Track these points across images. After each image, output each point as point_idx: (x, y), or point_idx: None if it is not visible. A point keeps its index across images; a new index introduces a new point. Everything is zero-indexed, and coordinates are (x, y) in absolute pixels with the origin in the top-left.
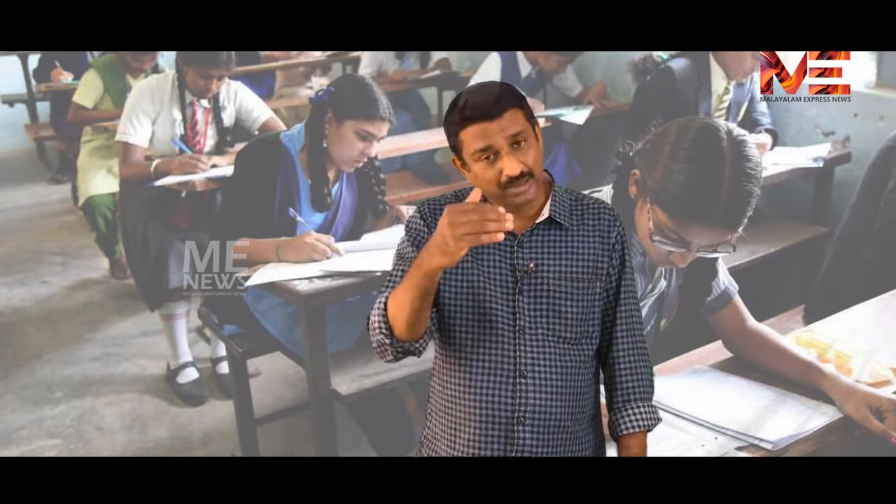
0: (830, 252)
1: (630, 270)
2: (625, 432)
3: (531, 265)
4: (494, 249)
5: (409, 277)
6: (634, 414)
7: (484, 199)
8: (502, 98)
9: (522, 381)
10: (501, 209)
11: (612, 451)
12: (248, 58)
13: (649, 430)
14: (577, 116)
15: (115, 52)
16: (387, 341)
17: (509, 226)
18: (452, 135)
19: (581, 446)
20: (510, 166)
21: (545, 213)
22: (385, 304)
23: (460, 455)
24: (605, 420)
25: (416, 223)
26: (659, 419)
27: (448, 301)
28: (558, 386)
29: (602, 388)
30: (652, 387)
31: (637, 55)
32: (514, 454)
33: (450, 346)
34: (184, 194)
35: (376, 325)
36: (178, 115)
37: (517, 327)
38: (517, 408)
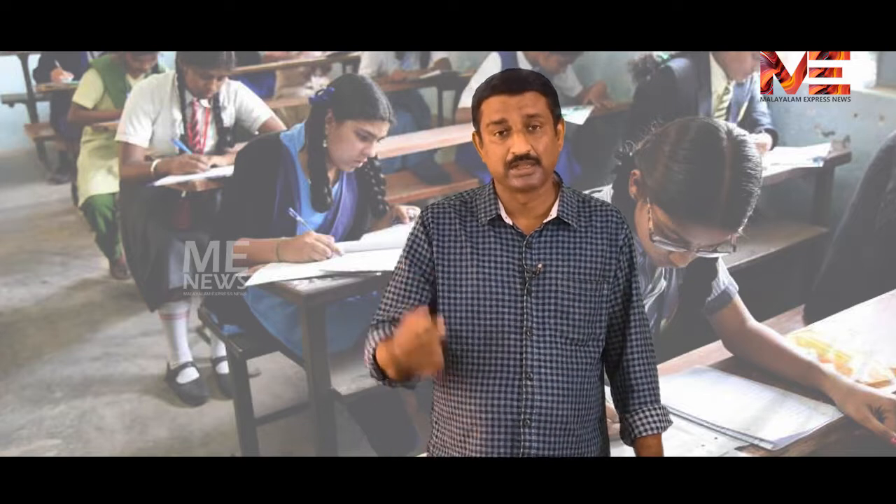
0: (830, 252)
1: (637, 273)
2: (644, 434)
3: (539, 266)
4: (502, 250)
5: (389, 360)
6: (652, 416)
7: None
8: (529, 79)
9: (528, 383)
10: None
11: (615, 452)
12: (248, 58)
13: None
14: (577, 116)
15: (115, 52)
16: (380, 381)
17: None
18: (476, 105)
19: (587, 447)
20: (518, 144)
21: (553, 213)
22: (375, 347)
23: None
24: (610, 423)
25: (416, 231)
26: (671, 421)
27: (452, 307)
28: (564, 388)
29: (608, 389)
30: (659, 389)
31: (637, 55)
32: (519, 456)
33: (454, 351)
34: (184, 194)
35: (368, 366)
36: (178, 115)
37: (524, 328)
38: (523, 410)
